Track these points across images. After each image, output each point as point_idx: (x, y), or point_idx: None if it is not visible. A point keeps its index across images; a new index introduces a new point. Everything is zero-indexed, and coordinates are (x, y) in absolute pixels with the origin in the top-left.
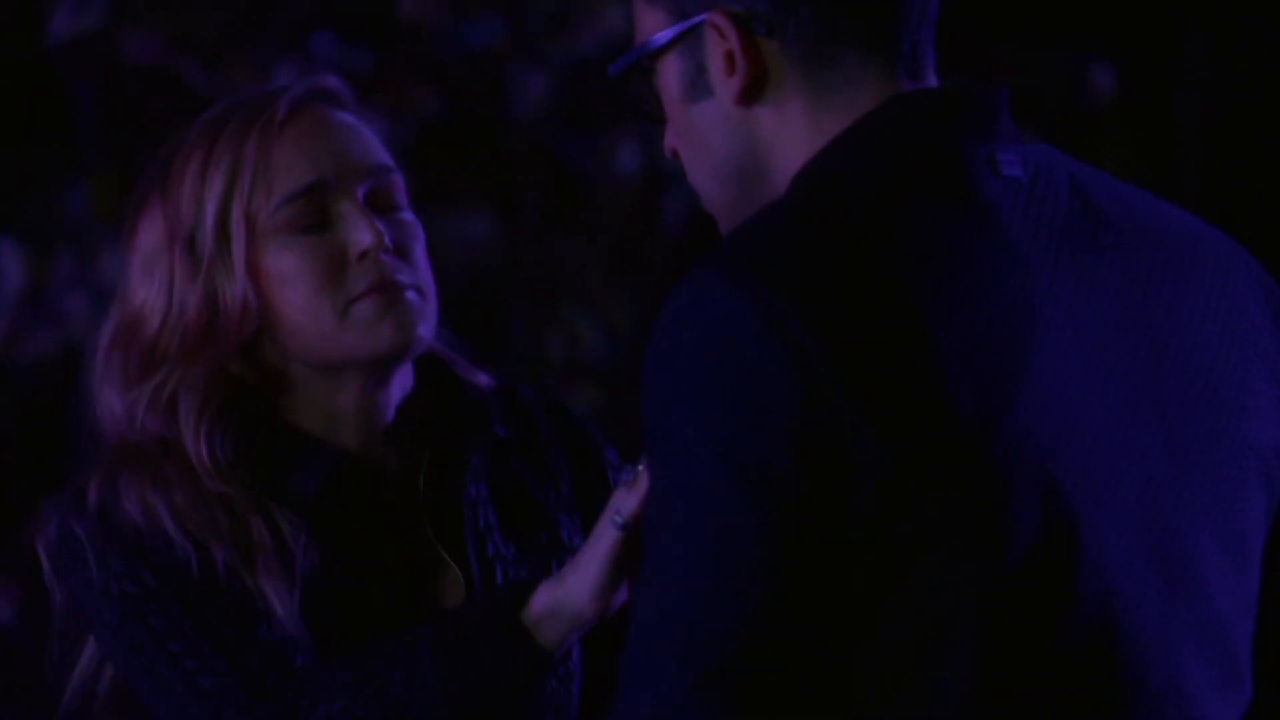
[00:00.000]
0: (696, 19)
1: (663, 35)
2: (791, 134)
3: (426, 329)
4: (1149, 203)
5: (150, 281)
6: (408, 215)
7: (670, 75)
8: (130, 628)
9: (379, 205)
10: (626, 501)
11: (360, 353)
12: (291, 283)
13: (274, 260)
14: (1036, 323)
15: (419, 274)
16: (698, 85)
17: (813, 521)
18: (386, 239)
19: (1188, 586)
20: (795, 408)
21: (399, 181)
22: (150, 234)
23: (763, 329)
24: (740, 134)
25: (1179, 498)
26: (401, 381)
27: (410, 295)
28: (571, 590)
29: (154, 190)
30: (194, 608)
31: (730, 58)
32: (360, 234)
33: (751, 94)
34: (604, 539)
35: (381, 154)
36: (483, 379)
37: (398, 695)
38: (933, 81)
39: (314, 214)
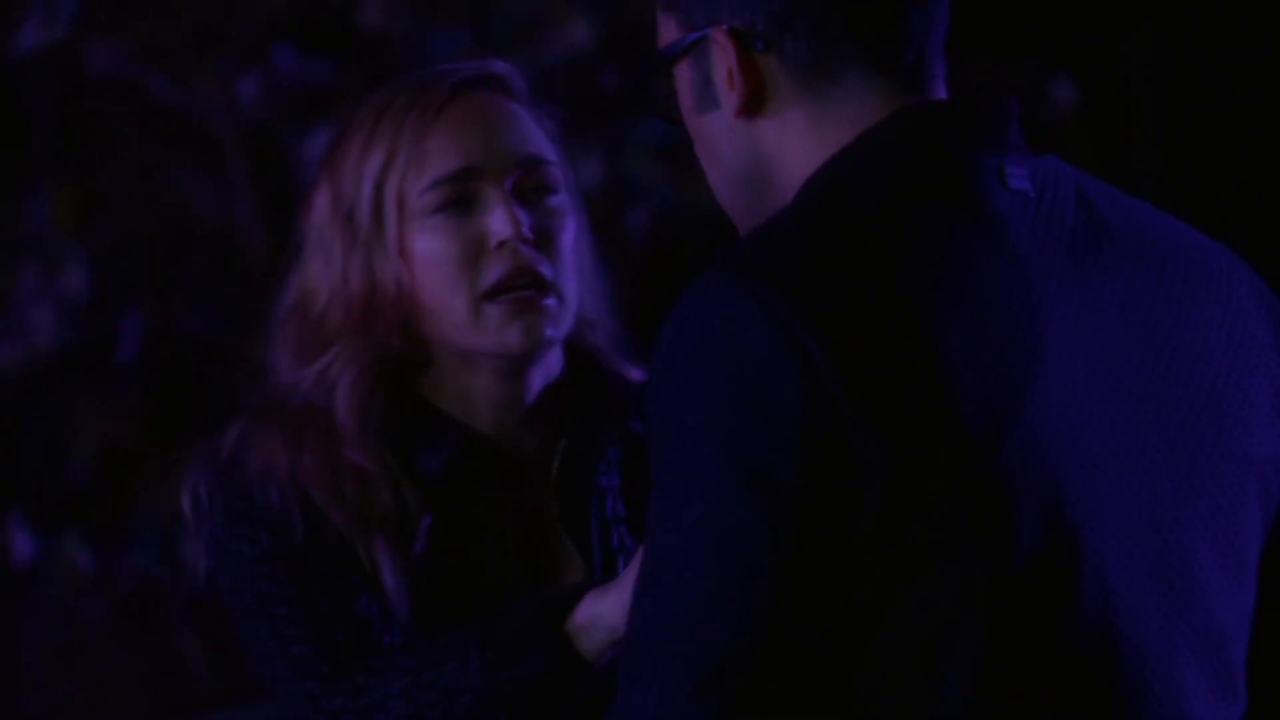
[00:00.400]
0: (701, 33)
1: (673, 46)
2: (794, 145)
3: (556, 331)
4: (1153, 215)
5: (319, 255)
6: (557, 201)
7: (684, 83)
8: (243, 589)
9: (526, 193)
10: None
11: (487, 349)
12: (432, 265)
13: (418, 241)
14: (1043, 334)
15: (559, 264)
16: (705, 96)
17: (817, 526)
18: (526, 228)
19: (1187, 597)
20: (802, 413)
21: (553, 172)
22: (319, 209)
23: (770, 333)
24: (745, 145)
25: (1180, 509)
26: (544, 370)
27: (545, 300)
28: (613, 604)
29: (324, 167)
30: (300, 574)
31: (730, 73)
32: (499, 223)
33: (752, 107)
34: None
35: (538, 145)
36: (634, 372)
37: (448, 685)
38: (941, 94)
39: (459, 199)
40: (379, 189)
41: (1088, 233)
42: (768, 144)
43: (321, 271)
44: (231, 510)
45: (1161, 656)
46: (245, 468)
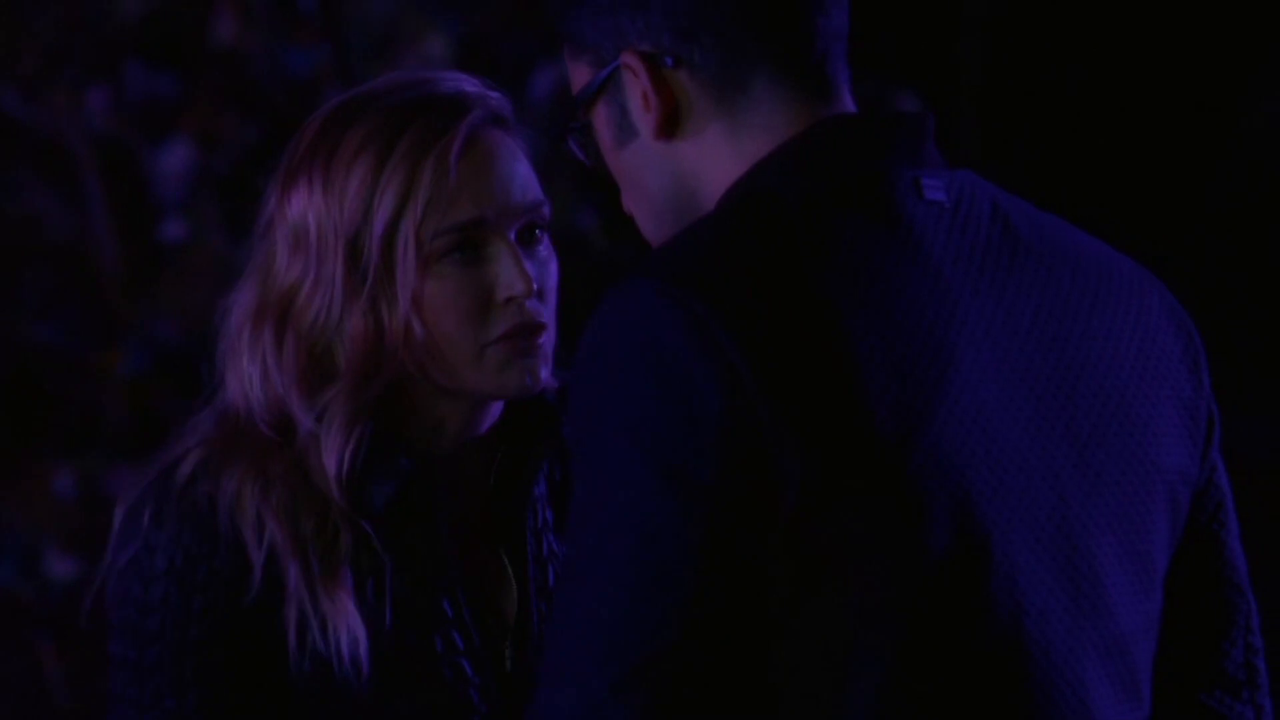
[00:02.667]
0: (612, 65)
1: (588, 86)
2: (714, 161)
3: (548, 371)
4: (1065, 229)
5: (304, 263)
6: (547, 244)
7: (601, 124)
8: (123, 641)
9: (526, 239)
10: None
11: (484, 391)
12: (438, 311)
13: (426, 286)
14: (956, 343)
15: (550, 310)
16: (623, 127)
17: (736, 527)
18: (535, 283)
19: (1094, 603)
20: (720, 415)
21: (547, 212)
22: (307, 212)
23: (689, 337)
24: (667, 168)
25: (1088, 516)
26: None
27: (541, 341)
28: None
29: (315, 167)
30: (176, 650)
31: (645, 95)
32: (513, 280)
33: (669, 127)
34: None
35: (536, 188)
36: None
37: None
38: (847, 98)
39: (469, 247)
40: (391, 229)
41: (1002, 245)
42: (688, 164)
43: (312, 291)
44: (177, 541)
45: (1069, 660)
46: (208, 499)
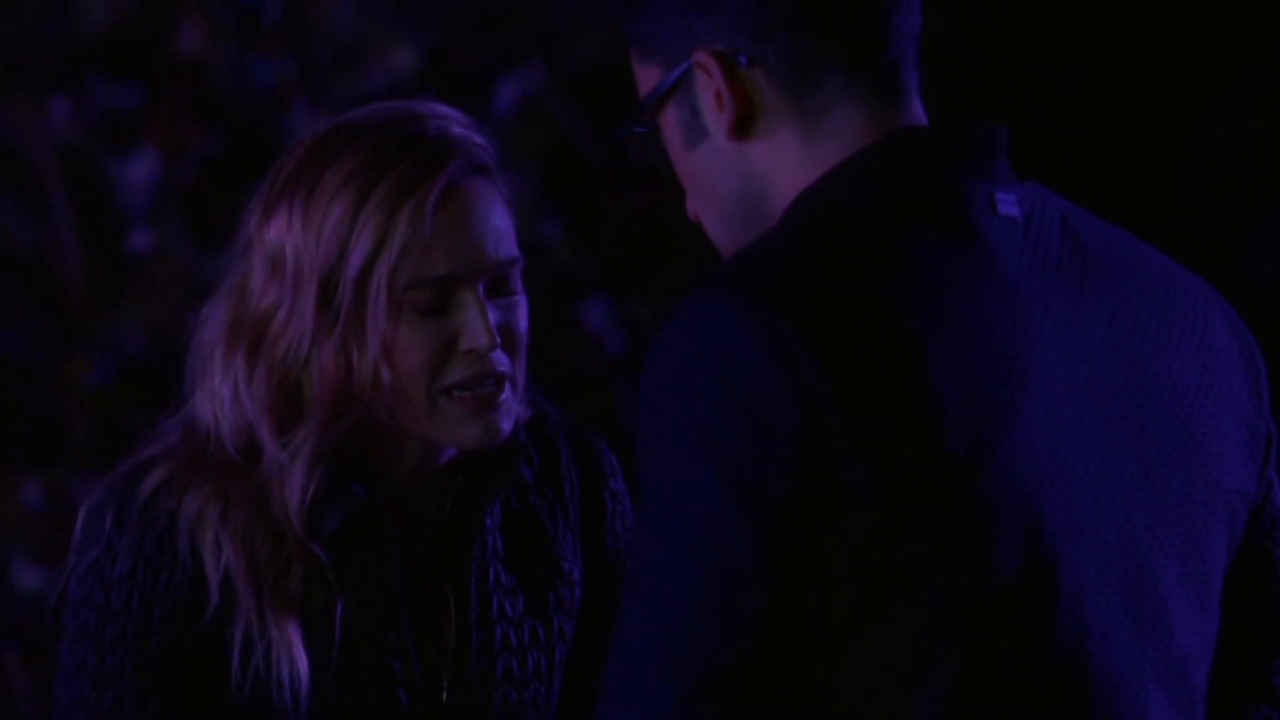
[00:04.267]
0: (684, 65)
1: (658, 87)
2: (786, 163)
3: (509, 424)
4: (1133, 244)
5: (279, 292)
6: (519, 295)
7: (671, 127)
8: (81, 646)
9: (496, 290)
10: None
11: (441, 441)
12: (403, 356)
13: (396, 332)
14: (1028, 361)
15: (518, 360)
16: (694, 129)
17: (805, 542)
18: (497, 337)
19: (1156, 625)
20: (794, 429)
21: (519, 269)
22: (285, 240)
23: (765, 350)
24: (738, 169)
25: (1152, 537)
26: None
27: (505, 395)
28: None
29: (297, 195)
30: (140, 655)
31: (719, 95)
32: (476, 333)
33: (743, 127)
34: None
35: (511, 243)
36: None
37: None
38: (918, 105)
39: (437, 299)
40: (365, 274)
41: (1073, 260)
42: (759, 166)
43: (286, 322)
44: (139, 549)
45: (1130, 682)
46: (169, 516)
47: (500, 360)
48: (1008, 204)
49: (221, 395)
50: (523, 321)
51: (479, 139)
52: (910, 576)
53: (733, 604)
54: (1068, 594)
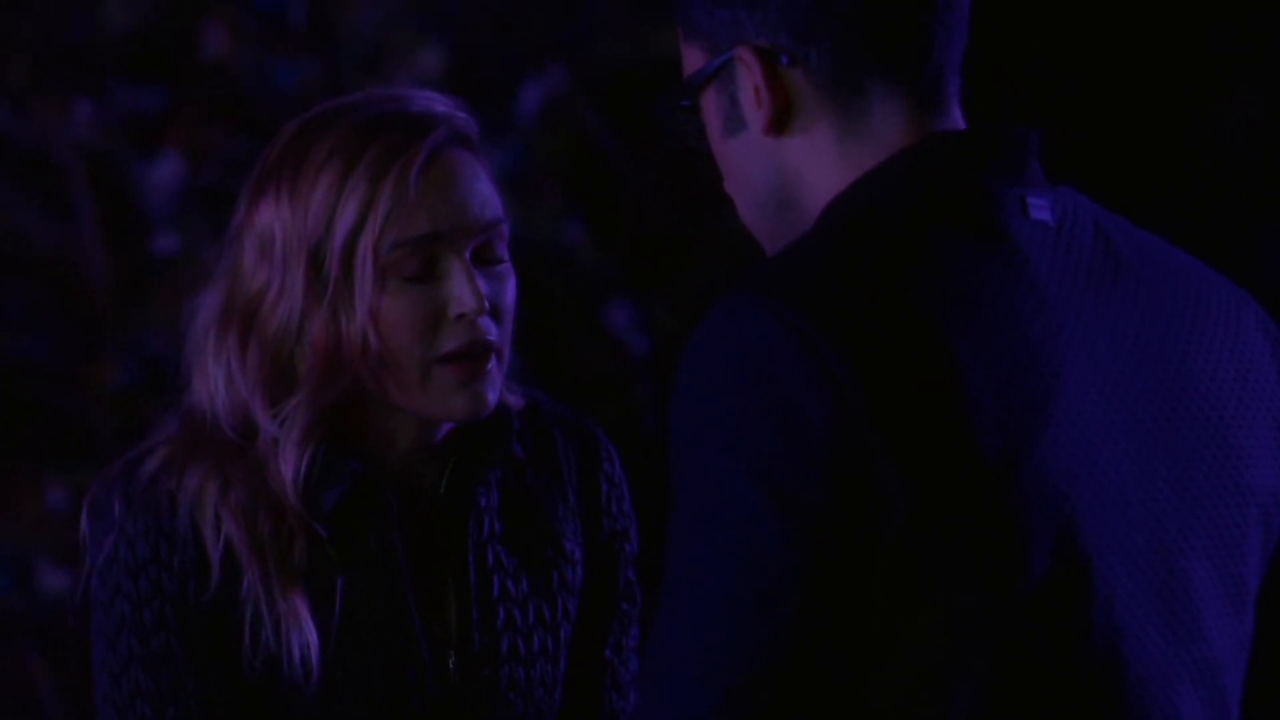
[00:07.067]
0: (726, 55)
1: (699, 72)
2: (821, 162)
3: (496, 395)
4: (1164, 249)
5: (269, 271)
6: (505, 264)
7: (710, 110)
8: (121, 639)
9: (483, 258)
10: None
11: (431, 413)
12: (392, 325)
13: (382, 300)
14: (1061, 366)
15: (506, 330)
16: (732, 118)
17: (839, 546)
18: (486, 302)
19: (1189, 628)
20: (828, 434)
21: (505, 231)
22: (274, 222)
23: (798, 355)
24: (772, 164)
25: (1185, 540)
26: None
27: (491, 364)
28: None
29: (283, 177)
30: (182, 633)
31: (757, 90)
32: (464, 296)
33: (779, 124)
34: None
35: (495, 206)
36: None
37: None
38: (957, 111)
39: (422, 262)
40: (351, 241)
41: (1105, 265)
42: (794, 162)
43: (276, 299)
44: (151, 532)
45: (1163, 684)
46: (169, 496)
47: (489, 327)
48: (1040, 208)
49: (215, 378)
50: (510, 294)
51: (462, 114)
52: (943, 580)
53: (767, 607)
54: (1100, 597)
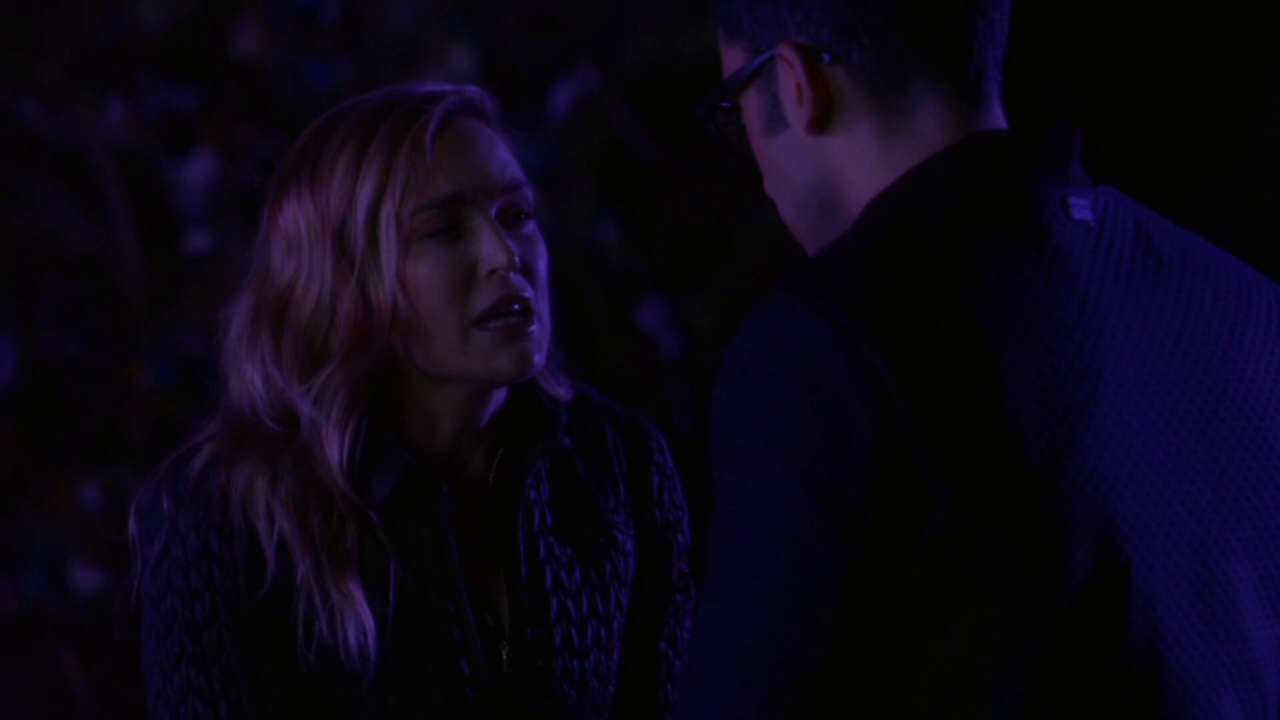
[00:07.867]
0: (768, 54)
1: (740, 71)
2: (862, 161)
3: (541, 357)
4: (1205, 247)
5: (297, 263)
6: (533, 227)
7: (751, 110)
8: (173, 634)
9: (509, 220)
10: None
11: (474, 375)
12: (422, 290)
13: (410, 265)
14: (1103, 366)
15: (539, 290)
16: (774, 117)
17: (881, 546)
18: (516, 257)
19: (1229, 629)
20: (870, 434)
21: (530, 196)
22: (297, 217)
23: (841, 355)
24: (814, 162)
25: (1225, 541)
26: (500, 389)
27: (532, 328)
28: None
29: (302, 174)
30: (234, 627)
31: (799, 88)
32: (493, 252)
33: (821, 122)
34: None
35: (516, 170)
36: (561, 390)
37: None
38: (998, 110)
39: (449, 224)
40: (374, 212)
41: (1146, 264)
42: (835, 161)
43: (304, 282)
44: (201, 527)
45: (1203, 686)
46: (220, 491)
47: (522, 284)
48: (1081, 208)
49: (252, 378)
50: (542, 257)
51: (476, 92)
52: (984, 580)
53: (809, 609)
54: (1141, 598)
